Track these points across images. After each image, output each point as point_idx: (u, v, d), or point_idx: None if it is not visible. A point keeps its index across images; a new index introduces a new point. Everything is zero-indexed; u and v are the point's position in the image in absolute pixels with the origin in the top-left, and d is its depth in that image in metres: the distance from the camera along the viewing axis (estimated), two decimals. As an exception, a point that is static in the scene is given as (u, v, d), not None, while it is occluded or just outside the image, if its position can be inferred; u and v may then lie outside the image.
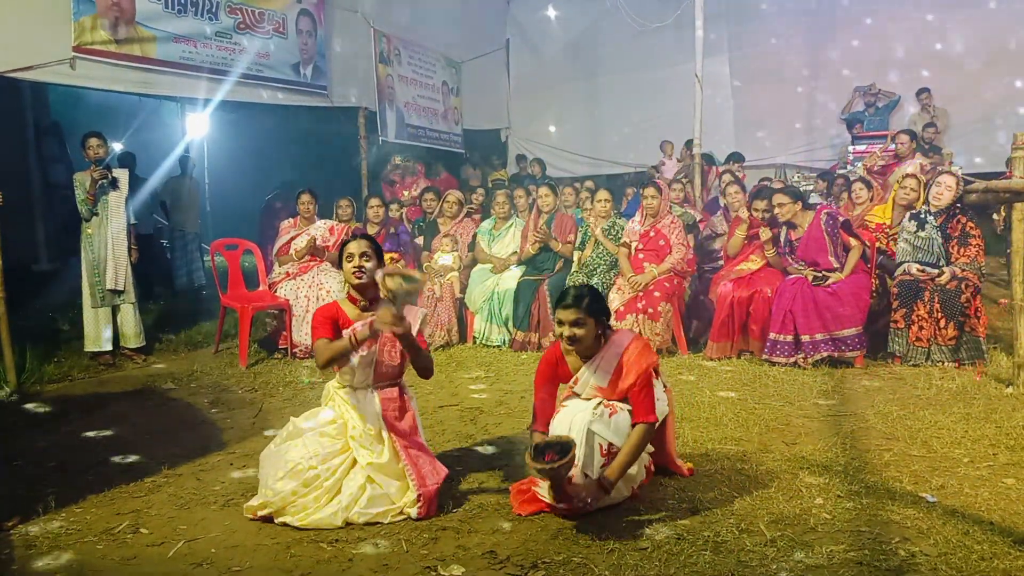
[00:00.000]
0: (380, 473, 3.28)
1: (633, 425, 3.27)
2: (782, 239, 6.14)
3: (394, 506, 3.24)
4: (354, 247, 3.45)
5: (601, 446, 3.25)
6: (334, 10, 9.19)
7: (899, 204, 6.42)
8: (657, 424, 3.33)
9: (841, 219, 6.00)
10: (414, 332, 3.32)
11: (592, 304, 3.31)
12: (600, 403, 3.30)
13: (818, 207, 6.21)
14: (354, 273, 3.42)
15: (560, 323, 3.33)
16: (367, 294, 3.48)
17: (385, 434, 3.36)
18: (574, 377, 3.42)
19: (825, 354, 5.67)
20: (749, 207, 6.43)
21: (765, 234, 6.18)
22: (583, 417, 3.26)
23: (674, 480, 3.57)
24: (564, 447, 3.11)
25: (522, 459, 3.74)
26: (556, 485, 3.09)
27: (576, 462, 3.15)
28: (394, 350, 3.45)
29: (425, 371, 3.44)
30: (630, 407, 3.30)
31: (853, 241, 5.90)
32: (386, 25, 10.12)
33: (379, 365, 3.44)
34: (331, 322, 3.40)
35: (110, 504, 3.48)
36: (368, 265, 3.42)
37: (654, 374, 3.39)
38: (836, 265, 5.86)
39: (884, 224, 6.57)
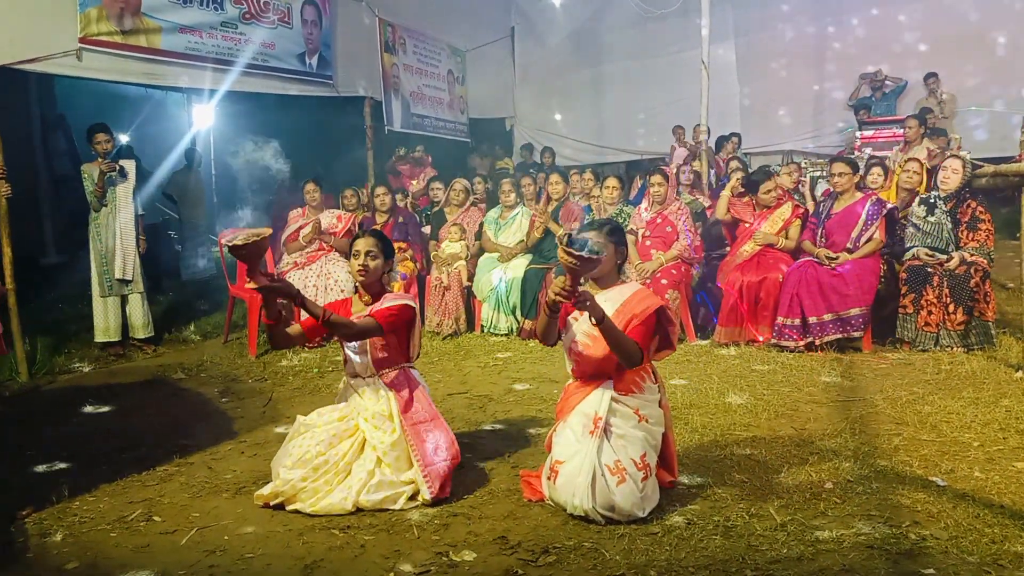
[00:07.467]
0: (392, 452, 3.30)
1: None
2: (822, 209, 6.14)
3: (402, 490, 3.26)
4: (361, 244, 3.48)
5: (608, 466, 3.10)
6: (338, -1, 9.18)
7: (903, 188, 6.40)
8: (645, 358, 3.19)
9: (888, 207, 5.96)
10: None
11: (613, 232, 3.32)
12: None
13: (869, 191, 6.20)
14: (358, 271, 3.46)
15: None
16: (371, 290, 3.52)
17: (396, 414, 3.38)
18: None
19: (833, 336, 5.66)
20: (746, 187, 6.51)
21: (734, 183, 6.51)
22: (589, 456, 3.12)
23: (683, 465, 3.57)
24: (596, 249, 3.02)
25: (537, 443, 3.75)
26: (574, 277, 2.98)
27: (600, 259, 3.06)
28: (379, 343, 3.46)
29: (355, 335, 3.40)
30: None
31: (878, 234, 5.86)
32: (391, 14, 10.10)
33: (374, 353, 3.46)
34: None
35: (123, 493, 3.51)
36: (372, 264, 3.45)
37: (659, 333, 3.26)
38: (850, 248, 5.85)
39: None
